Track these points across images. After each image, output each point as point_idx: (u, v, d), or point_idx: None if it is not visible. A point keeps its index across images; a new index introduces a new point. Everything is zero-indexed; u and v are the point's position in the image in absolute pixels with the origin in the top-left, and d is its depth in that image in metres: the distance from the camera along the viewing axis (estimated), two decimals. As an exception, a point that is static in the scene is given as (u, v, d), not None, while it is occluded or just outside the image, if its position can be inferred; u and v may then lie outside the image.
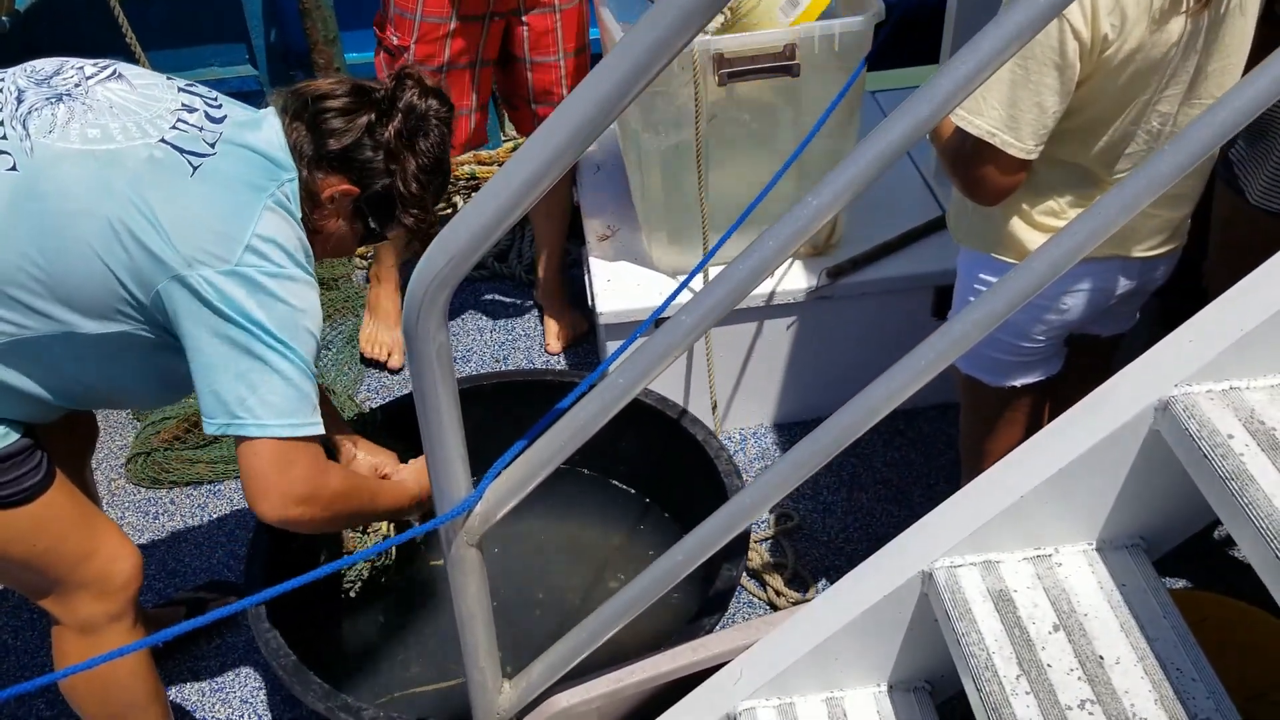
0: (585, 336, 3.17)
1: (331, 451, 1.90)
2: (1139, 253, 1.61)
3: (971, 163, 1.51)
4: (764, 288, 2.58)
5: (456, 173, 3.71)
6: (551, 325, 3.17)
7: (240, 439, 1.53)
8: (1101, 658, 1.26)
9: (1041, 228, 1.59)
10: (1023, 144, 1.46)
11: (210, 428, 1.53)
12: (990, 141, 1.46)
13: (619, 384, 1.22)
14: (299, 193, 1.62)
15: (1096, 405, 1.32)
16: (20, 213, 1.47)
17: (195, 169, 1.53)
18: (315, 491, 1.58)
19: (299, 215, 1.61)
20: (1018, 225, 1.61)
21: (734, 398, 2.80)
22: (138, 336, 1.56)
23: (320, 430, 1.58)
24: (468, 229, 1.08)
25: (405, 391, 2.77)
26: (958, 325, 1.19)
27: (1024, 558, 1.38)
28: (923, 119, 1.02)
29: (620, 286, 2.68)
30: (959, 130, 1.50)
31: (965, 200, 1.66)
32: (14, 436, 1.57)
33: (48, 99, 1.53)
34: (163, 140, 1.54)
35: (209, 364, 1.50)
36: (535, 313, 3.28)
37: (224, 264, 1.49)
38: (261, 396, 1.51)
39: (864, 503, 2.61)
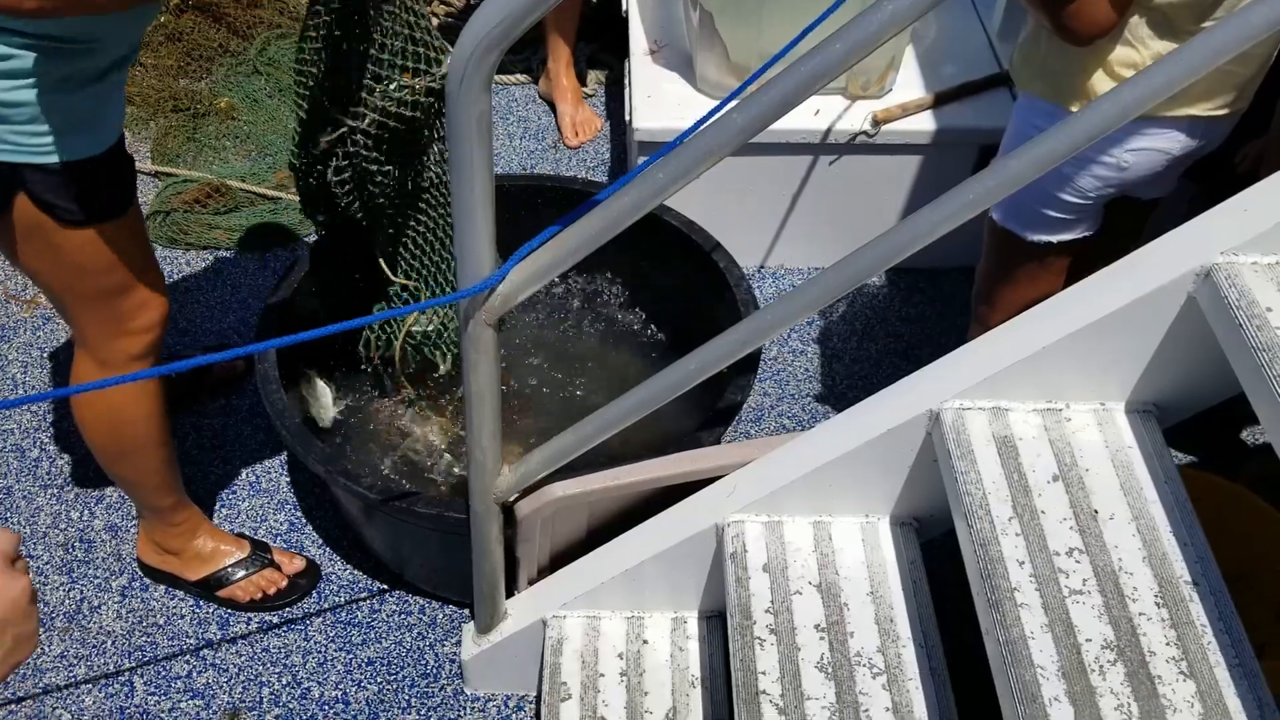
0: (597, 133, 3.21)
1: None
2: (1207, 111, 1.56)
3: None
4: (807, 123, 2.52)
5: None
6: (566, 118, 3.17)
7: None
8: (1096, 511, 1.28)
9: (1119, 79, 1.53)
10: None
11: None
12: None
13: (658, 179, 1.19)
14: None
15: (1135, 265, 1.30)
16: None
17: None
18: None
19: None
20: (1094, 74, 1.54)
21: (759, 236, 2.76)
22: None
23: None
24: (526, -12, 1.03)
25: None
26: (1014, 162, 1.15)
27: (1034, 409, 1.39)
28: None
29: (660, 104, 2.61)
30: None
31: (1038, 42, 1.58)
32: (108, 143, 1.50)
33: None
34: None
35: None
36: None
37: None
38: None
39: (872, 353, 2.61)
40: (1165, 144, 1.58)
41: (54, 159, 1.45)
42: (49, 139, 1.44)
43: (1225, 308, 1.18)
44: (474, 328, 1.33)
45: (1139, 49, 1.51)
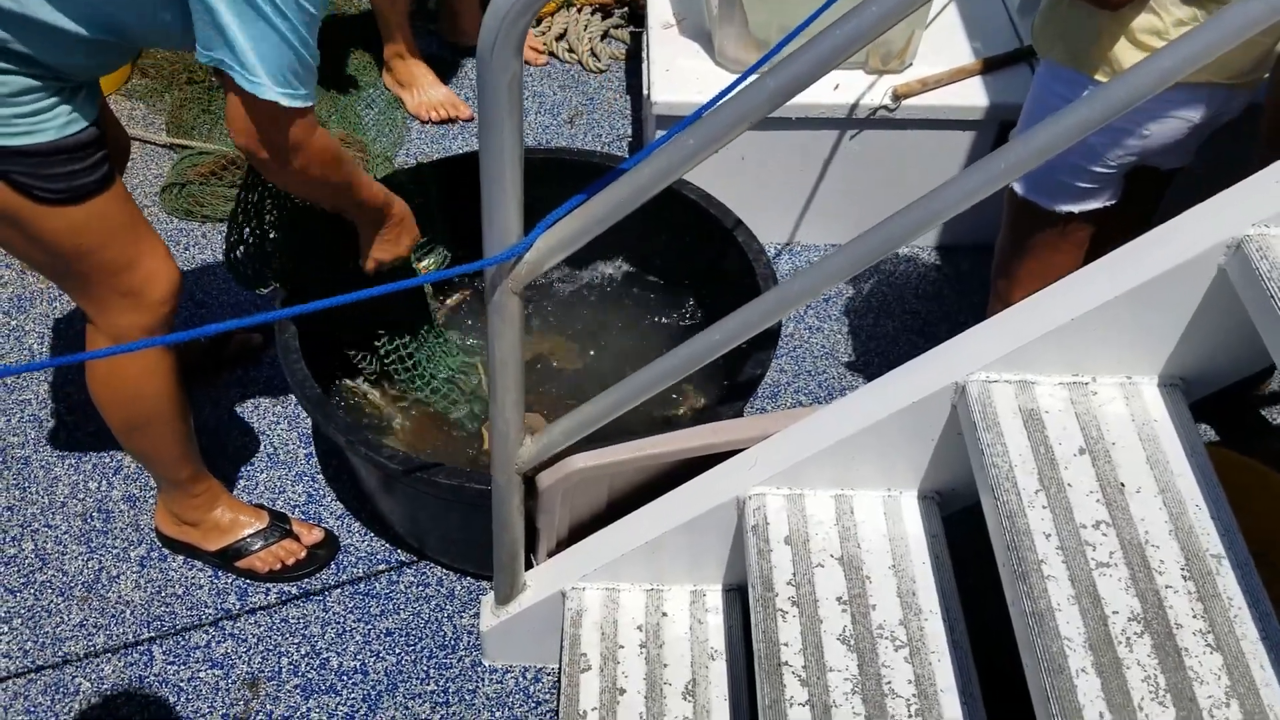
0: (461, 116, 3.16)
1: None
2: (1228, 80, 1.55)
3: None
4: (826, 97, 2.50)
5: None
6: (419, 103, 3.13)
7: (231, 82, 1.44)
8: (1123, 484, 1.27)
9: (1141, 46, 1.52)
10: None
11: (202, 57, 1.42)
12: None
13: (689, 145, 1.18)
14: None
15: (1165, 237, 1.29)
16: None
17: None
18: (292, 148, 1.54)
19: None
20: (1116, 41, 1.53)
21: (777, 212, 2.75)
22: None
23: (312, 101, 1.50)
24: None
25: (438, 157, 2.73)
26: (1044, 132, 1.14)
27: (1061, 382, 1.38)
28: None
29: (679, 78, 2.60)
30: None
31: (1059, 7, 1.57)
32: (81, 124, 1.51)
33: None
34: None
35: None
36: (586, 100, 3.20)
37: None
38: (257, 48, 1.40)
39: (889, 330, 2.61)
40: (1186, 112, 1.57)
41: (27, 141, 1.45)
42: (21, 122, 1.44)
43: (1256, 279, 1.17)
44: (500, 295, 1.33)
45: (1162, 15, 1.51)
